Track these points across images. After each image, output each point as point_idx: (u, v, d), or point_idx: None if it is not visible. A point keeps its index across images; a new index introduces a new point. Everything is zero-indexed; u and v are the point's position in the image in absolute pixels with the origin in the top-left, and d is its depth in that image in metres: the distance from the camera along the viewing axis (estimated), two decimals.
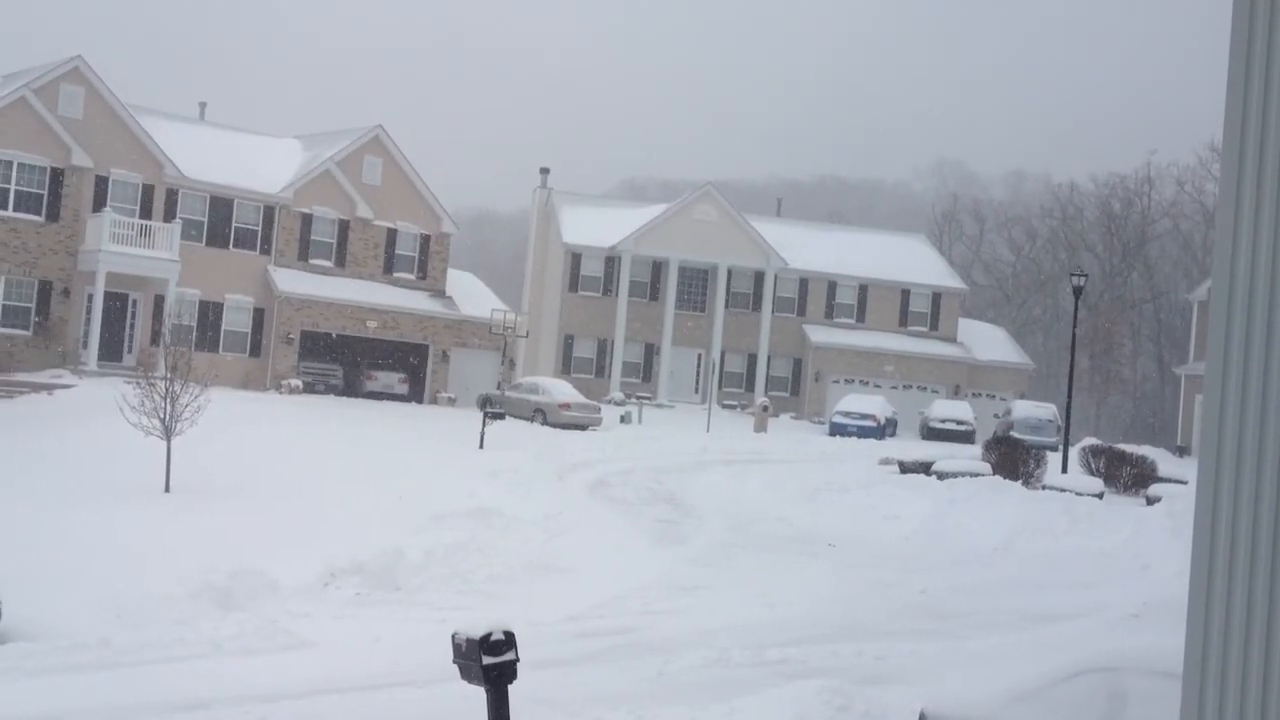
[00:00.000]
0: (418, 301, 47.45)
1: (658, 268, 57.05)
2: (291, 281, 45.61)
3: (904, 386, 58.87)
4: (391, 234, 48.81)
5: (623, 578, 23.19)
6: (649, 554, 25.52)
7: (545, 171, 61.05)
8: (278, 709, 12.83)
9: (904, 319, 61.46)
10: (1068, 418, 38.67)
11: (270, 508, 25.42)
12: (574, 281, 56.24)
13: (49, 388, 37.89)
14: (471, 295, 49.98)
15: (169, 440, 26.85)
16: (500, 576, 22.22)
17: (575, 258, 56.38)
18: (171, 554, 20.17)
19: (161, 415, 27.22)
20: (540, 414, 42.53)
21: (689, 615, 20.32)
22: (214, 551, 20.59)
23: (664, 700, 13.85)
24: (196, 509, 24.77)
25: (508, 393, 43.37)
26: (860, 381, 57.72)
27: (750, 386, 57.94)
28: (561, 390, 44.26)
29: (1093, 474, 34.94)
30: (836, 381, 57.92)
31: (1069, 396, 38.57)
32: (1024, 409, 50.36)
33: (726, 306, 57.93)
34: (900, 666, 16.50)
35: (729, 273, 57.78)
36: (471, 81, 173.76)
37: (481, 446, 35.59)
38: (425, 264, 49.31)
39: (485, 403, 40.89)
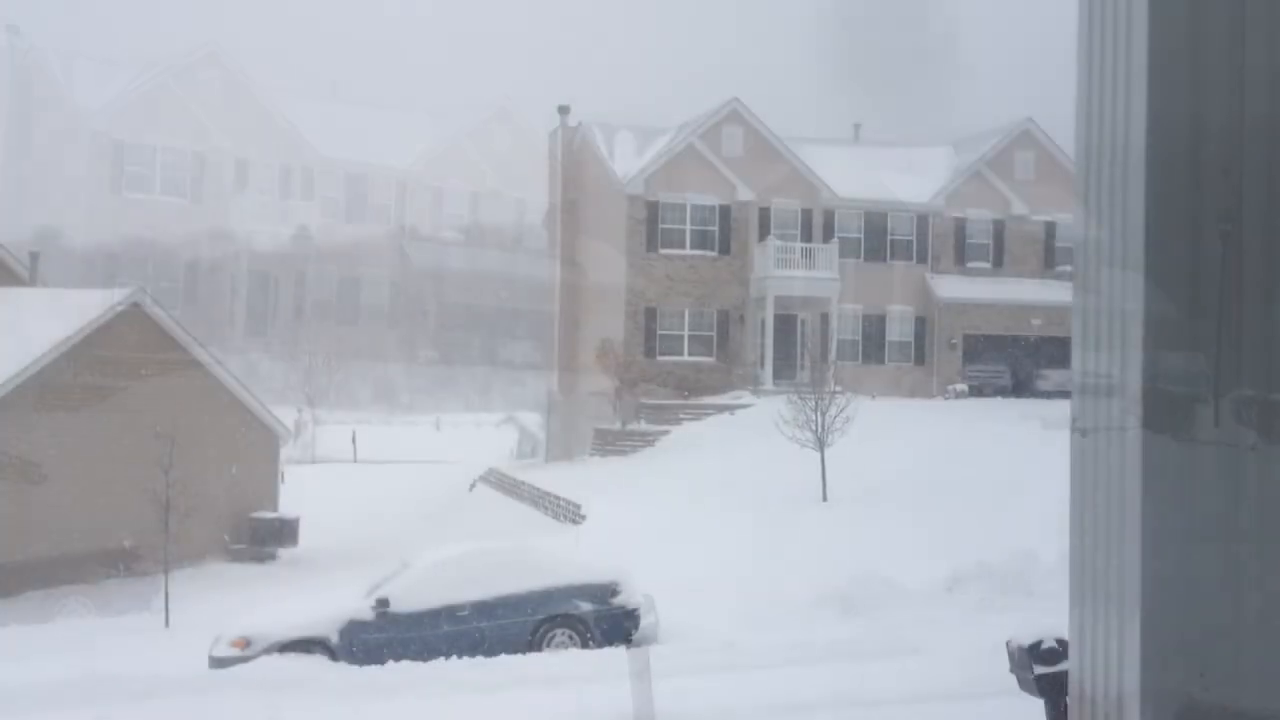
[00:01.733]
0: None
1: None
2: (950, 287, 37.22)
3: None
4: (1050, 228, 37.67)
5: None
6: None
7: None
8: (880, 715, 10.83)
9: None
10: None
11: (911, 513, 22.17)
12: None
13: (731, 408, 33.91)
14: None
15: (822, 451, 24.11)
16: None
17: None
18: (806, 560, 18.46)
19: (814, 428, 24.29)
20: None
21: None
22: (845, 557, 18.20)
23: None
24: (841, 516, 22.40)
25: None
26: None
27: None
28: None
29: None
30: None
31: None
32: None
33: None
34: None
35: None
36: None
37: None
38: None
39: None
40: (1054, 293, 37.03)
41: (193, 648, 14.12)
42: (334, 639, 13.36)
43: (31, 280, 28.83)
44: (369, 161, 35.52)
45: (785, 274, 35.66)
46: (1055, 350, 36.80)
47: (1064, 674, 6.90)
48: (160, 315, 26.18)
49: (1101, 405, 2.05)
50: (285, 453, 29.27)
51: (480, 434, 76.08)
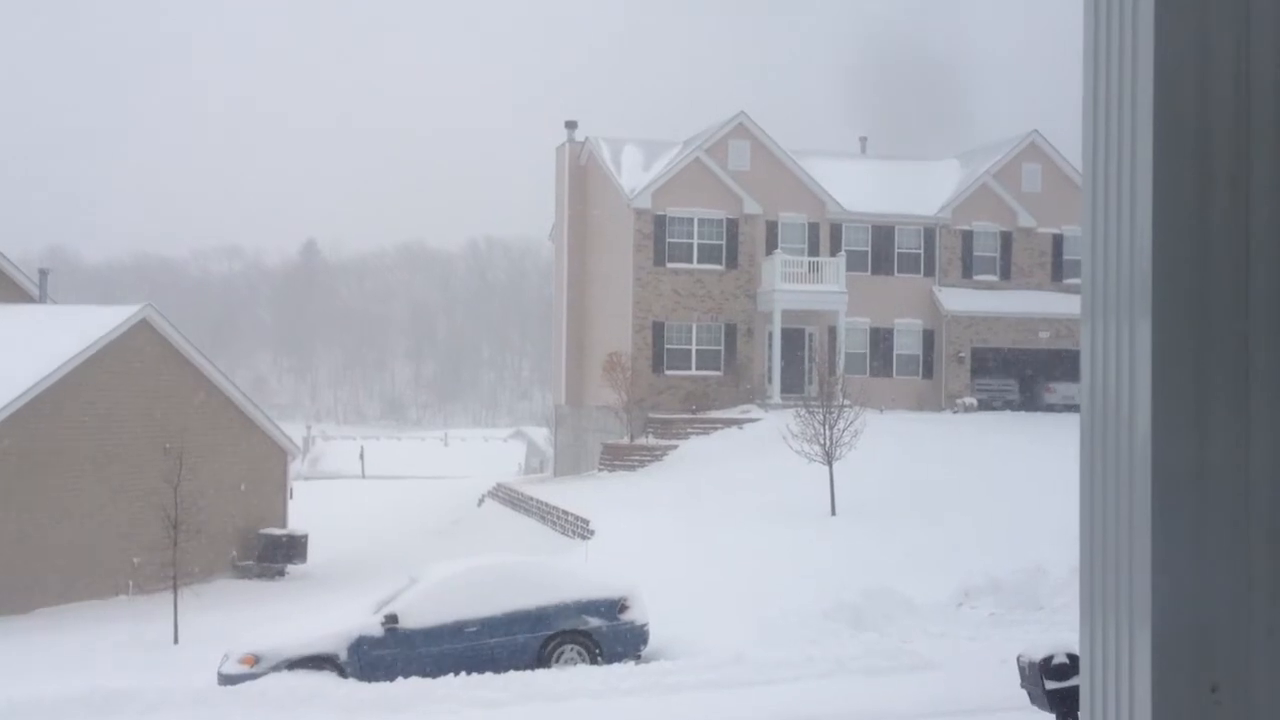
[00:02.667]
0: None
1: None
2: (957, 300, 36.55)
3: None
4: (1057, 240, 37.36)
5: None
6: None
7: None
8: None
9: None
10: None
11: (920, 527, 22.05)
12: None
13: (739, 422, 33.50)
14: None
15: (830, 464, 23.87)
16: None
17: None
18: (815, 574, 18.18)
19: (821, 441, 24.05)
20: None
21: None
22: (854, 571, 17.93)
23: None
24: (848, 530, 22.12)
25: None
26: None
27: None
28: None
29: None
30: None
31: None
32: None
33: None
34: None
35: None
36: None
37: None
38: None
39: None
40: (1062, 305, 36.83)
41: (202, 664, 14.08)
42: (343, 656, 13.30)
43: (41, 297, 28.95)
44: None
45: (792, 288, 35.45)
46: (1063, 363, 36.62)
47: (1075, 689, 6.83)
48: (169, 331, 26.23)
49: (1110, 419, 2.03)
50: (294, 468, 29.19)
51: (488, 448, 76.10)
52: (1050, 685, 7.18)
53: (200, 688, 12.61)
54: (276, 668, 12.96)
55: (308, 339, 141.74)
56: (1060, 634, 7.97)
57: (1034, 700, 7.48)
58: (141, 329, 25.57)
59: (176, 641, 17.88)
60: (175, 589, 18.63)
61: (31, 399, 22.80)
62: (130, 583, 23.67)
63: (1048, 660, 7.22)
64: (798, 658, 13.73)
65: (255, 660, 13.00)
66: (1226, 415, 1.93)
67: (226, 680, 12.95)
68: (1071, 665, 7.12)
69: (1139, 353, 1.94)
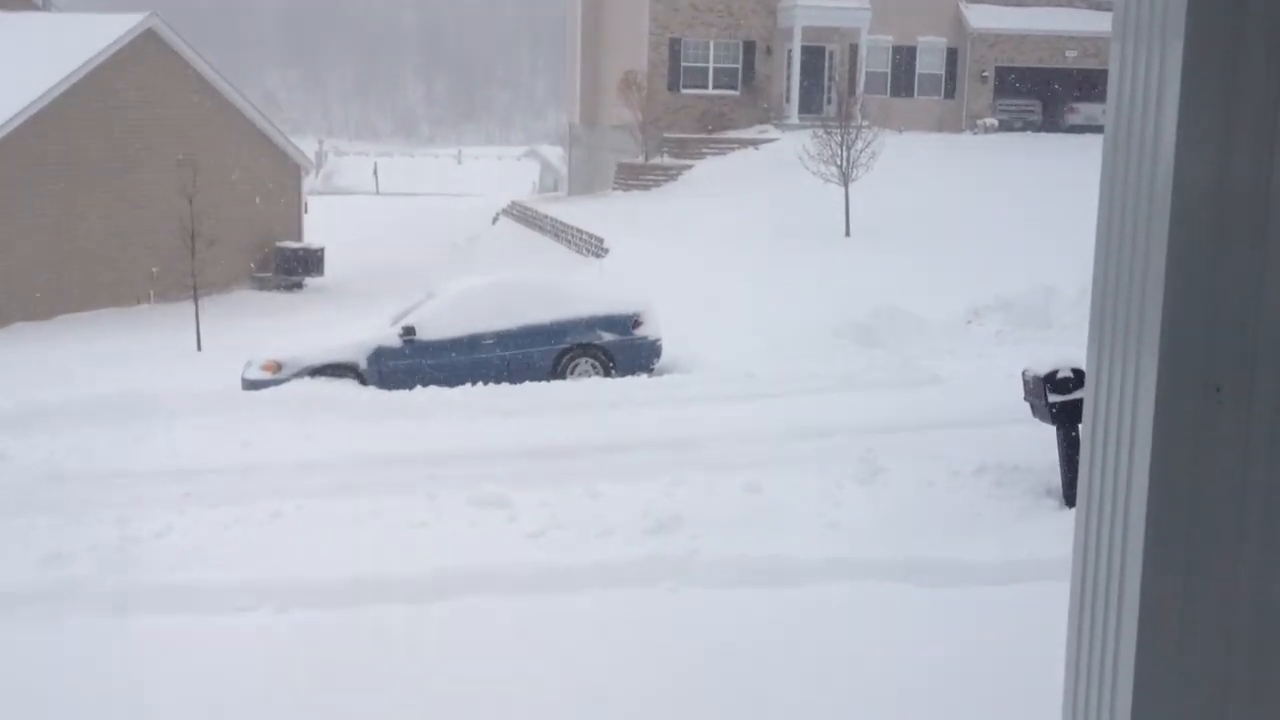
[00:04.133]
0: None
1: None
2: (983, 17, 35.32)
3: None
4: None
5: None
6: None
7: None
8: (893, 440, 10.32)
9: None
10: None
11: (933, 248, 21.79)
12: None
13: (755, 142, 32.96)
14: None
15: (846, 185, 23.64)
16: None
17: None
18: (826, 294, 17.97)
19: (838, 163, 23.75)
20: None
21: None
22: (865, 292, 17.79)
23: None
24: (860, 251, 22.01)
25: None
26: None
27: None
28: None
29: None
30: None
31: None
32: None
33: None
34: None
35: None
36: None
37: None
38: None
39: None
40: (1091, 23, 35.40)
41: (225, 371, 14.45)
42: (362, 365, 13.61)
43: (44, 4, 28.01)
44: None
45: (814, 3, 34.11)
46: (1088, 83, 35.53)
47: (1077, 402, 6.94)
48: (176, 41, 25.46)
49: (1135, 137, 1.96)
50: (308, 183, 29.09)
51: (502, 167, 75.44)
52: (1053, 398, 7.28)
53: (225, 392, 12.97)
54: (299, 374, 13.30)
55: (316, 54, 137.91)
56: (1065, 349, 8.02)
57: (1036, 413, 7.60)
58: (148, 38, 24.84)
59: (200, 349, 18.26)
60: (196, 298, 18.87)
61: (40, 108, 22.44)
62: (151, 292, 24.02)
63: (1052, 374, 7.30)
64: (806, 373, 13.85)
65: (278, 367, 13.31)
66: (1252, 137, 1.86)
67: (250, 385, 13.26)
68: (1075, 380, 7.20)
69: (1169, 72, 1.85)
